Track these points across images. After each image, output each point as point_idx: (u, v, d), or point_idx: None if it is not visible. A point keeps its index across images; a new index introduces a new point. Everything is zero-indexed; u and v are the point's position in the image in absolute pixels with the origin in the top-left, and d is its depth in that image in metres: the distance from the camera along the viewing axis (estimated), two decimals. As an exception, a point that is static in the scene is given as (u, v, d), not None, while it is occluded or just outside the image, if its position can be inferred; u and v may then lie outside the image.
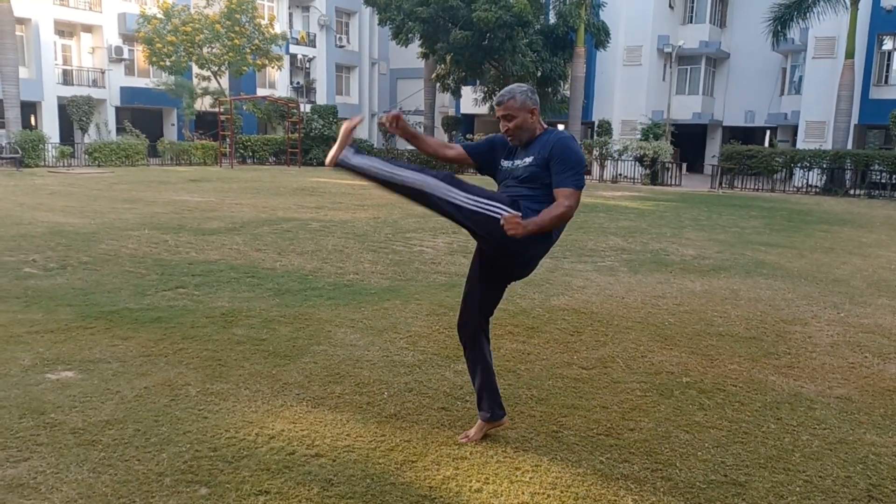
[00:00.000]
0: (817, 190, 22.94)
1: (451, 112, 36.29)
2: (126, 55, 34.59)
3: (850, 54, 23.38)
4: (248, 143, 30.84)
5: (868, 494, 3.04)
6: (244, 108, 32.84)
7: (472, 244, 9.10)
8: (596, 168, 25.93)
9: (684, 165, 29.65)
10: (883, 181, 22.32)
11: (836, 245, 10.62)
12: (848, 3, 23.11)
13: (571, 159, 3.19)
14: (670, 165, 25.22)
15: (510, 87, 3.37)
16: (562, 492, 2.99)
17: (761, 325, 5.83)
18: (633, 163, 25.48)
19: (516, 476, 3.12)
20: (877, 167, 22.37)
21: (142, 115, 34.86)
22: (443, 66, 26.54)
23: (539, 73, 26.40)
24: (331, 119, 31.45)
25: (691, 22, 34.88)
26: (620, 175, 25.92)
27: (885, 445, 3.54)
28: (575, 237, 10.28)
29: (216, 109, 31.03)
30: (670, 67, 31.64)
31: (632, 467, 3.23)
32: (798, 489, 3.06)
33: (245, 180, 20.14)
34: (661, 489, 3.03)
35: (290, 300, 6.05)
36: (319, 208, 13.11)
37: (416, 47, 28.40)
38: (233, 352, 4.66)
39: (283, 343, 4.88)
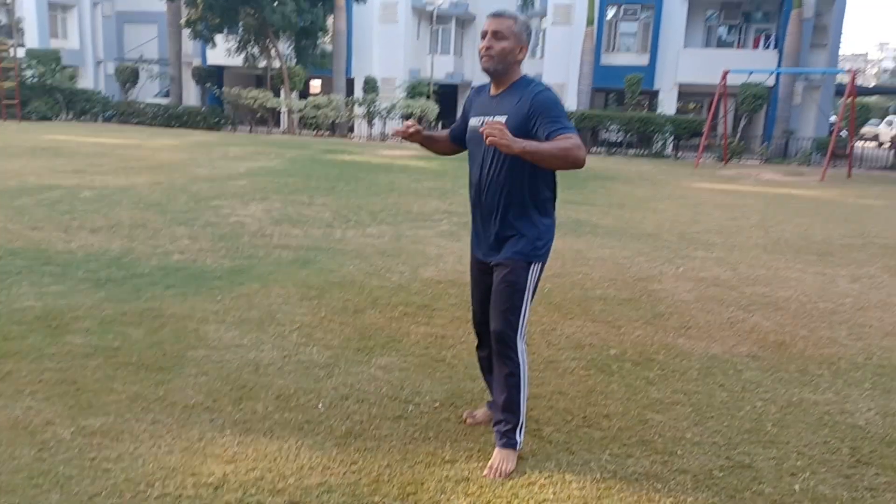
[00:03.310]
0: (566, 147, 24.78)
1: (198, 62, 33.27)
2: None
3: (590, 21, 25.39)
4: (-58, 93, 25.49)
5: (856, 460, 3.09)
6: (-69, 48, 27.03)
7: (294, 211, 8.38)
8: (364, 126, 25.52)
9: (440, 125, 30.41)
10: (619, 140, 24.79)
11: (623, 201, 11.43)
12: (588, -26, 24.95)
13: (559, 109, 2.66)
14: (435, 124, 25.62)
15: (510, 10, 2.82)
16: (598, 505, 2.64)
17: (626, 285, 5.94)
18: (400, 121, 25.44)
19: (540, 494, 2.69)
20: (613, 127, 24.74)
21: None
22: (193, 10, 24.02)
23: (300, 25, 25.06)
24: (53, 66, 27.12)
25: (441, -19, 35.47)
26: (384, 133, 25.76)
27: (827, 403, 3.68)
28: (395, 200, 9.86)
29: None
30: (432, 26, 32.01)
31: (640, 462, 2.97)
32: (800, 464, 3.02)
33: (-44, 138, 16.61)
34: (687, 485, 2.81)
35: (120, 292, 4.90)
36: (79, 172, 11.13)
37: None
38: (86, 369, 3.59)
39: (147, 351, 3.88)
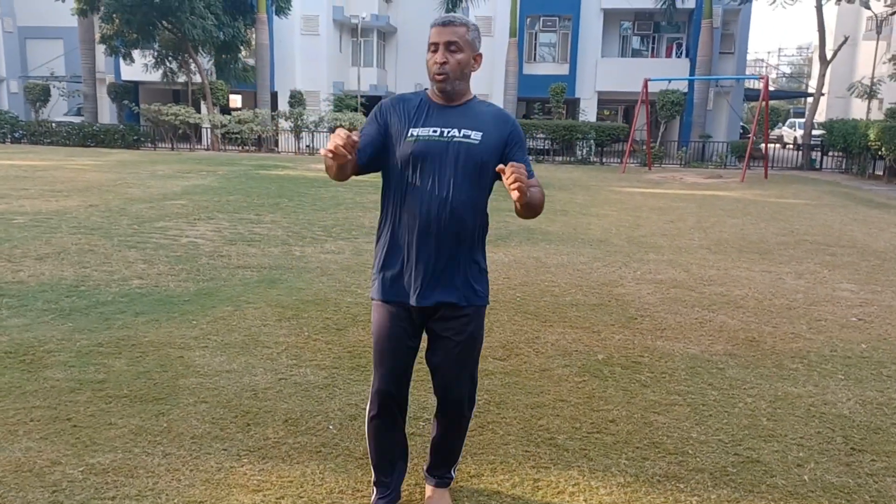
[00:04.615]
0: (494, 157, 25.12)
1: (111, 78, 32.09)
2: None
3: (513, 33, 25.85)
4: None
5: (851, 448, 3.27)
6: None
7: (245, 229, 8.18)
8: (291, 140, 25.16)
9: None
10: (546, 148, 25.31)
11: (565, 207, 11.69)
12: (509, -14, 25.44)
13: (526, 145, 2.51)
14: (364, 136, 25.55)
15: (457, 14, 2.46)
16: (630, 508, 2.71)
17: (592, 290, 6.08)
18: (327, 134, 25.22)
19: (571, 502, 2.74)
20: (540, 136, 25.25)
21: None
22: (109, 26, 23.14)
23: (221, 39, 24.53)
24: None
25: (361, -6, 35.42)
26: (312, 147, 25.43)
27: (810, 395, 3.88)
28: (344, 215, 9.78)
29: None
30: (357, 39, 31.90)
31: (657, 464, 3.06)
32: (802, 455, 3.18)
33: None
34: (707, 483, 2.92)
35: (88, 322, 4.69)
36: (4, 197, 10.54)
37: (60, 4, 24.32)
38: (77, 405, 3.42)
39: (135, 382, 3.73)
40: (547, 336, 4.77)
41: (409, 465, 2.77)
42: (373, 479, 2.65)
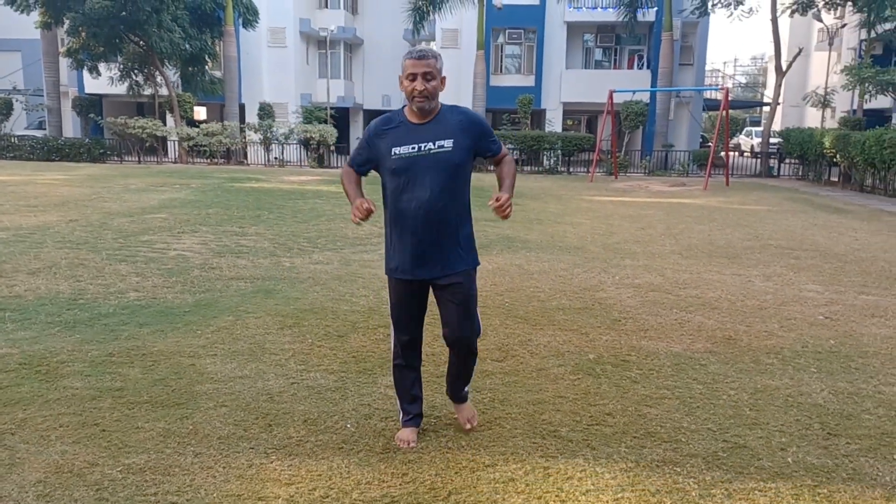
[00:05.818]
0: (463, 167, 25.46)
1: (75, 92, 31.71)
2: None
3: (480, 46, 26.27)
4: None
5: (828, 433, 3.58)
6: None
7: (231, 242, 8.31)
8: (260, 153, 25.15)
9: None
10: (515, 158, 25.74)
11: (539, 216, 12.01)
12: (476, 0, 25.86)
13: (489, 125, 3.29)
14: (334, 149, 25.67)
15: (426, 47, 3.25)
16: (634, 492, 2.96)
17: (575, 295, 6.36)
18: (296, 146, 25.29)
19: (581, 486, 2.98)
20: (509, 146, 25.68)
21: None
22: (75, 39, 22.96)
23: (188, 51, 24.49)
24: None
25: (327, 7, 35.60)
26: (282, 159, 25.45)
27: (787, 387, 4.19)
28: (326, 226, 9.95)
29: None
30: (324, 51, 32.01)
31: (654, 451, 3.32)
32: (784, 440, 3.48)
33: None
34: (701, 467, 3.18)
35: (94, 334, 4.81)
36: (-21, 212, 10.51)
37: (16, 16, 24.02)
38: (101, 411, 3.57)
39: (152, 389, 3.89)
40: (539, 338, 5.02)
41: (427, 455, 3.02)
42: (399, 409, 3.42)
